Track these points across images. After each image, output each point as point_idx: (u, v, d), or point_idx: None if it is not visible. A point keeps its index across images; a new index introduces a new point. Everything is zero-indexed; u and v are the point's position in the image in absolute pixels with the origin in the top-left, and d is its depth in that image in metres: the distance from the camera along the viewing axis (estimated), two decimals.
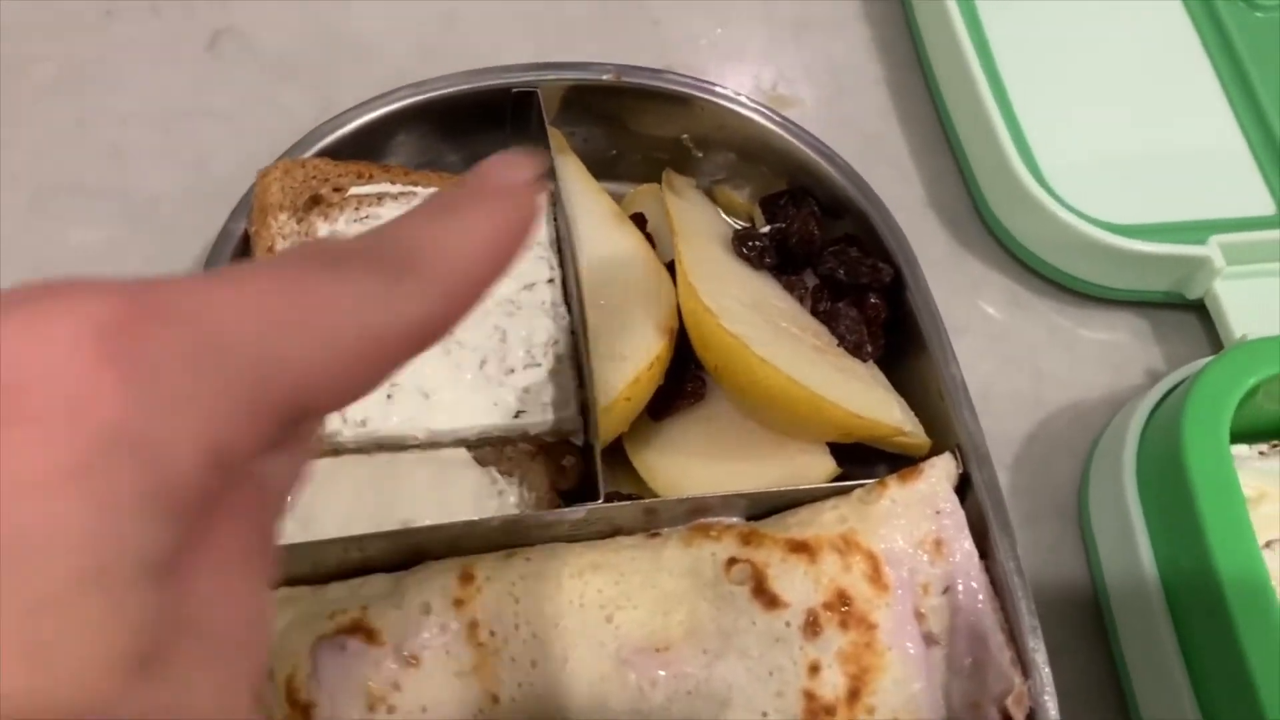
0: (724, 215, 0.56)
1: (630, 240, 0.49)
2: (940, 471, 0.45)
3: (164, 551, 0.17)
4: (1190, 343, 0.57)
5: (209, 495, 0.18)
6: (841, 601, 0.42)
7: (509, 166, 0.22)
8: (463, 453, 0.46)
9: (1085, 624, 0.50)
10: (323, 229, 0.46)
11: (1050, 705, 0.41)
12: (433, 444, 0.46)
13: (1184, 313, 0.58)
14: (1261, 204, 0.60)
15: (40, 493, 0.16)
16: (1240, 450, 0.50)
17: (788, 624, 0.42)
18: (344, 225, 0.47)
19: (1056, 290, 0.58)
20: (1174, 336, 0.57)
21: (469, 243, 0.21)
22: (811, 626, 0.42)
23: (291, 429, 0.20)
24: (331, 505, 0.44)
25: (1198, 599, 0.44)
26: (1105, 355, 0.57)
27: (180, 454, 0.17)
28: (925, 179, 0.61)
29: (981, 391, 0.55)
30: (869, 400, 0.45)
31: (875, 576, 0.43)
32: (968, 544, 0.44)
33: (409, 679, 0.40)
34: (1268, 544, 0.48)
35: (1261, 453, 0.50)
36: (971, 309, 0.58)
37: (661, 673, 0.41)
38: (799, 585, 0.42)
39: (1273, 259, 0.56)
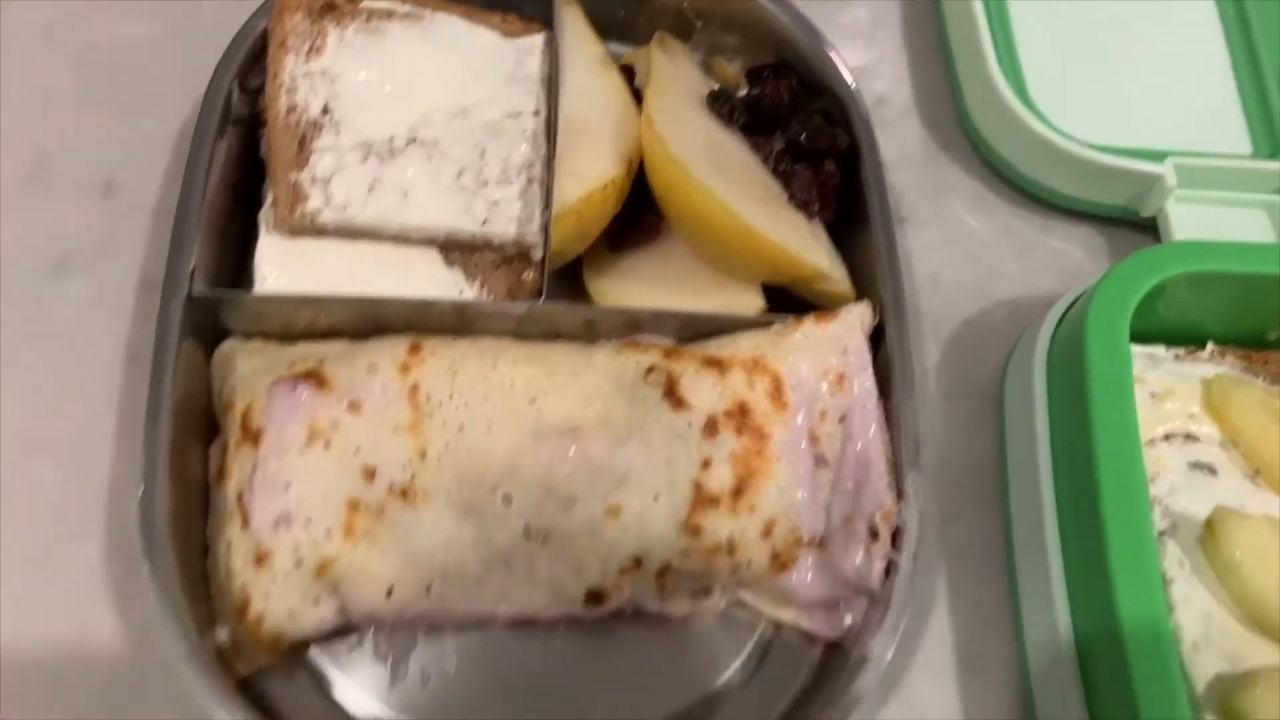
0: (715, 84, 0.60)
1: (612, 82, 0.54)
2: (855, 317, 0.49)
3: None
4: None
5: None
6: (741, 412, 0.46)
7: None
8: (434, 253, 0.51)
9: (988, 499, 0.53)
10: (332, 34, 0.51)
11: (913, 529, 0.45)
12: (404, 238, 0.50)
13: (1137, 231, 0.60)
14: (1239, 143, 0.62)
15: None
16: (1158, 351, 0.53)
17: (689, 424, 0.46)
18: (352, 34, 0.52)
19: (1021, 197, 0.61)
20: (1125, 251, 0.60)
21: None
22: (710, 428, 0.46)
23: None
24: (309, 278, 0.49)
25: (1077, 479, 0.47)
26: (1055, 261, 0.60)
27: None
28: (916, 80, 0.64)
29: (931, 276, 0.59)
30: (796, 241, 0.48)
31: (776, 395, 0.47)
32: (869, 382, 0.48)
33: (348, 422, 0.45)
34: (1167, 436, 0.52)
35: (1178, 356, 0.53)
36: (939, 205, 0.61)
37: (570, 450, 0.46)
38: (706, 393, 0.47)
39: (1224, 187, 0.58)
